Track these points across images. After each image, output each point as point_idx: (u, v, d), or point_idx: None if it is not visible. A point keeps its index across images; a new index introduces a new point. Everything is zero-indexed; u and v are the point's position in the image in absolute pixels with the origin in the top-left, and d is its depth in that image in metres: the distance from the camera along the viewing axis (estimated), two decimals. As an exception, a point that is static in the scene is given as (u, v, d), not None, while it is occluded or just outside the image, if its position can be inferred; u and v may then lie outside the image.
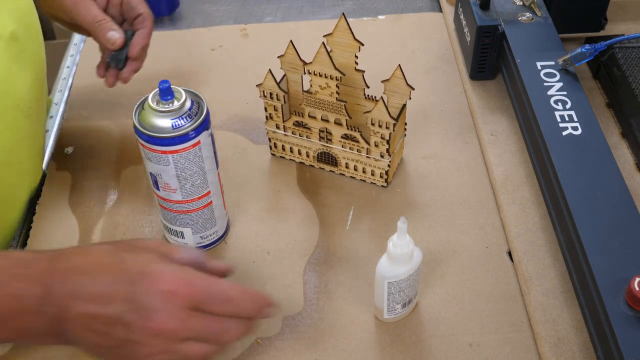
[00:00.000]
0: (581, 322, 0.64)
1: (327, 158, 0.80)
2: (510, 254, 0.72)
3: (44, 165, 0.83)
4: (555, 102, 0.75)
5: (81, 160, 0.83)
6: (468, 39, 0.88)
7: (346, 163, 0.79)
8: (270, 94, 0.76)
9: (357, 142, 0.76)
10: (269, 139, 0.81)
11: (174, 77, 0.93)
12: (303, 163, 0.81)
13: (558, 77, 0.78)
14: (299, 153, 0.80)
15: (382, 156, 0.75)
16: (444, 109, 0.87)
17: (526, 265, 0.69)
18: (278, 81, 0.75)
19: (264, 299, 0.58)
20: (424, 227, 0.74)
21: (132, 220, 0.76)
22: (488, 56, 0.86)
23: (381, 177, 0.78)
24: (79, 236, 0.75)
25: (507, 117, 0.84)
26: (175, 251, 0.58)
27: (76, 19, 0.76)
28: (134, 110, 0.64)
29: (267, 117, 0.79)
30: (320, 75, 0.73)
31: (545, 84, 0.77)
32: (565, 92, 0.76)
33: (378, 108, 0.71)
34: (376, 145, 0.75)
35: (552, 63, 0.79)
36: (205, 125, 0.64)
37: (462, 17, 0.91)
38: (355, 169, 0.79)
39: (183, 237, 0.71)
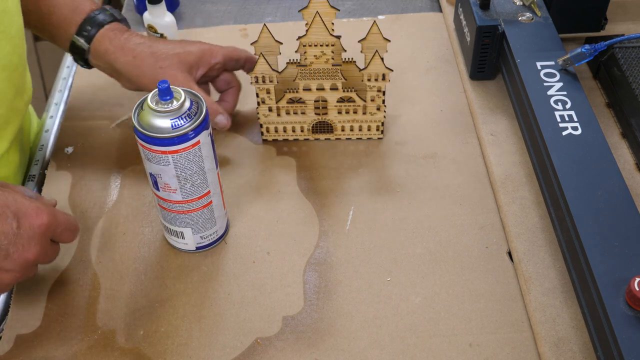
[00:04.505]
0: (581, 322, 0.64)
1: (322, 127, 0.82)
2: (510, 254, 0.72)
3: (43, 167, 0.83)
4: (555, 102, 0.75)
5: (81, 160, 0.83)
6: (468, 39, 0.88)
7: (342, 127, 0.81)
8: (263, 77, 0.77)
9: (354, 101, 0.79)
10: (261, 125, 0.82)
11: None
12: (298, 139, 0.83)
13: (558, 77, 0.78)
14: (293, 130, 0.82)
15: (378, 109, 0.79)
16: (444, 109, 0.87)
17: (526, 265, 0.69)
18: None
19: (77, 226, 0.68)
20: (424, 227, 0.74)
21: (132, 220, 0.76)
22: (488, 56, 0.86)
23: (377, 129, 0.81)
24: (78, 236, 0.75)
25: (507, 117, 0.84)
26: (19, 190, 0.65)
27: None
28: (134, 111, 0.64)
29: (258, 103, 0.80)
30: (315, 45, 0.75)
31: (545, 84, 0.77)
32: (565, 92, 0.76)
33: (374, 63, 0.75)
34: (372, 100, 0.78)
35: (552, 63, 0.79)
36: (204, 125, 0.64)
37: (462, 17, 0.91)
38: (352, 129, 0.82)
39: (183, 237, 0.71)
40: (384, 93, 0.79)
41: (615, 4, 0.93)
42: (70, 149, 0.84)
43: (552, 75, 0.78)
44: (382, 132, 0.83)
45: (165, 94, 0.62)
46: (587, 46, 0.77)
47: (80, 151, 0.84)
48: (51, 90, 0.96)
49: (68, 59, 0.98)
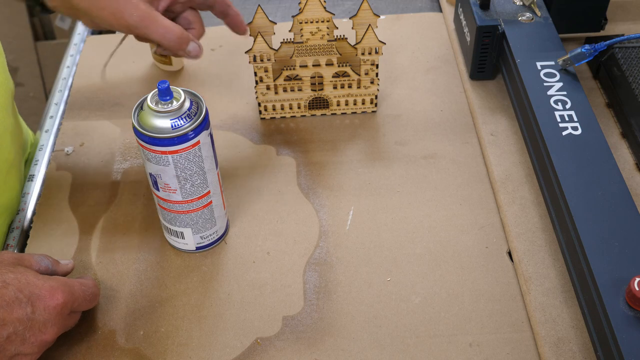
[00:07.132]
0: (581, 322, 0.64)
1: (318, 103, 0.84)
2: (510, 254, 0.72)
3: (43, 167, 0.83)
4: (555, 102, 0.75)
5: (81, 160, 0.83)
6: (468, 39, 0.88)
7: (337, 102, 0.84)
8: (261, 56, 0.79)
9: (348, 76, 0.81)
10: (259, 104, 0.85)
11: (173, 77, 0.93)
12: (295, 116, 0.86)
13: (558, 77, 0.78)
14: (290, 108, 0.84)
15: (372, 82, 0.81)
16: (444, 109, 0.87)
17: (526, 265, 0.69)
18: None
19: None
20: (424, 227, 0.74)
21: (132, 220, 0.76)
22: (488, 56, 0.86)
23: (371, 103, 0.85)
24: (78, 236, 0.75)
25: (507, 117, 0.84)
26: (34, 263, 0.63)
27: (144, 35, 0.72)
28: (133, 111, 0.64)
29: (257, 82, 0.82)
30: (311, 22, 0.77)
31: (545, 84, 0.77)
32: (565, 92, 0.76)
33: (367, 36, 0.77)
34: (366, 73, 0.81)
35: (552, 63, 0.79)
36: (204, 125, 0.64)
37: (462, 17, 0.91)
38: (347, 104, 0.84)
39: (183, 238, 0.71)
40: (377, 66, 0.81)
41: (615, 4, 0.94)
42: (70, 149, 0.84)
43: (552, 75, 0.78)
44: (376, 105, 0.85)
45: (165, 94, 0.62)
46: (587, 46, 0.77)
47: (80, 151, 0.84)
48: (51, 90, 0.96)
49: (68, 59, 0.98)
